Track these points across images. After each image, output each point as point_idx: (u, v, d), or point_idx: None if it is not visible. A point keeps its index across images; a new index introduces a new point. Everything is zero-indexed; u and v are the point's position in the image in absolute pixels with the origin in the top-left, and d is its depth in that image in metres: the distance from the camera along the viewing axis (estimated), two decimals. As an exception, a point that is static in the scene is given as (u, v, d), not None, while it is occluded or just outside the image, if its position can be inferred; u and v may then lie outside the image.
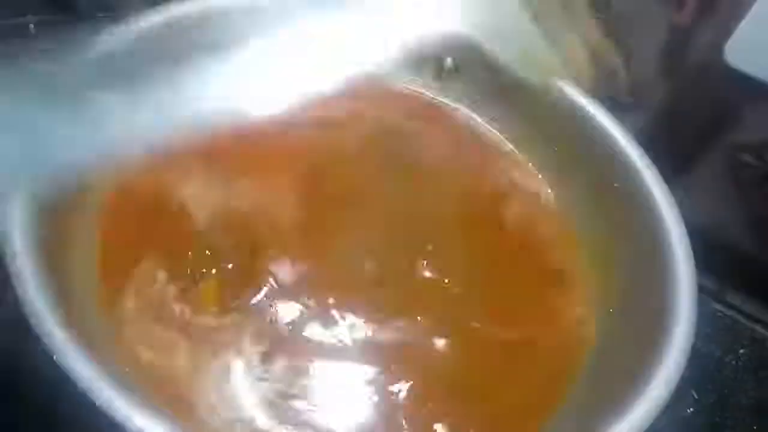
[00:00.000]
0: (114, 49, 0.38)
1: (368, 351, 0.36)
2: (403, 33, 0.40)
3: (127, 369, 0.32)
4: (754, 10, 0.46)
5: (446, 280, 0.40)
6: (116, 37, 0.38)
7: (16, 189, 0.31)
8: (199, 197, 0.40)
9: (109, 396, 0.26)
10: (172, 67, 0.34)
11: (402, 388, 0.36)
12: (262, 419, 0.33)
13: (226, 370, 0.34)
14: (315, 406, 0.34)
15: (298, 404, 0.34)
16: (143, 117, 0.32)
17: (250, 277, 0.37)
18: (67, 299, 0.31)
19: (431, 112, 0.49)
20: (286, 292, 0.37)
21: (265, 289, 0.37)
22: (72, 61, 0.35)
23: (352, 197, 0.43)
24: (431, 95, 0.49)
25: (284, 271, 0.38)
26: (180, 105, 0.33)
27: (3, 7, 0.54)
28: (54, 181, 0.30)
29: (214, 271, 0.37)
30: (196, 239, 0.38)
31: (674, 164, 0.49)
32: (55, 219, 0.34)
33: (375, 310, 0.38)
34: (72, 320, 0.28)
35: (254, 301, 0.37)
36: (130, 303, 0.35)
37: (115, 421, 0.26)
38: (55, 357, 0.27)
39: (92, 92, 0.31)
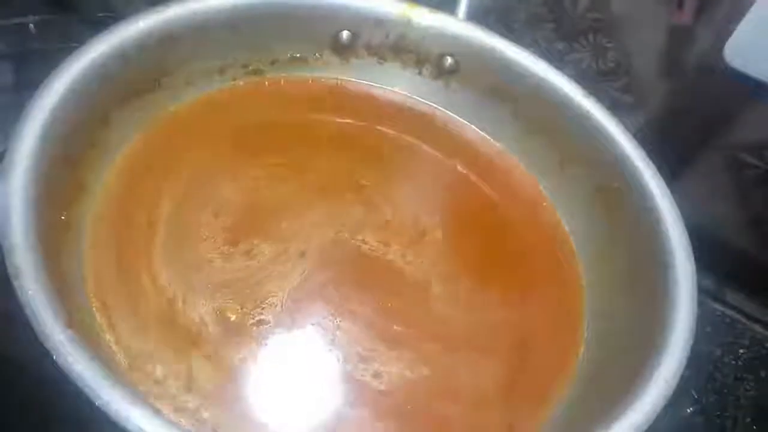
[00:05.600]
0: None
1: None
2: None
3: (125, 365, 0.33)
4: (754, 10, 0.46)
5: (444, 284, 0.40)
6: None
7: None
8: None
9: (109, 396, 0.26)
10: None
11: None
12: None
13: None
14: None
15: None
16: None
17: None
18: (67, 299, 0.31)
19: (429, 120, 0.49)
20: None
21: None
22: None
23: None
24: (428, 101, 0.49)
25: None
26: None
27: (3, 7, 0.54)
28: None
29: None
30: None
31: (674, 164, 0.49)
32: (54, 218, 0.34)
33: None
34: (72, 320, 0.28)
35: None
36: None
37: (114, 421, 0.26)
38: (55, 357, 0.27)
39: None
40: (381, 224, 0.42)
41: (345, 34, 0.47)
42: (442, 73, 0.48)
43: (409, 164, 0.46)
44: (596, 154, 0.44)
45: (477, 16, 0.50)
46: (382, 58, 0.48)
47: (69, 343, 0.27)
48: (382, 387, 0.35)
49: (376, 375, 0.36)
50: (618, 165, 0.42)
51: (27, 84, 0.45)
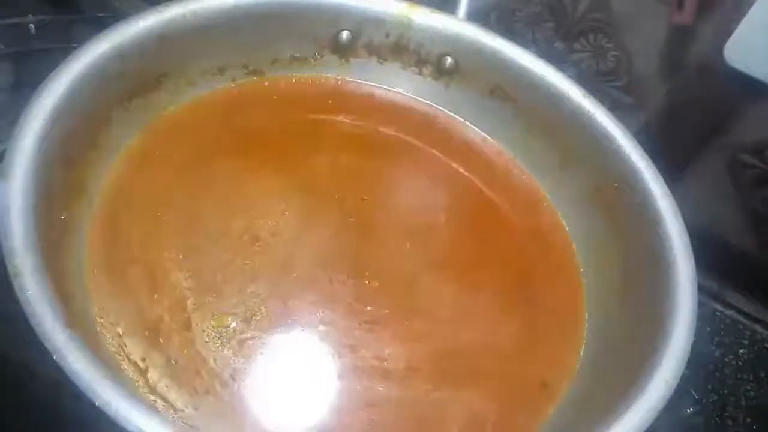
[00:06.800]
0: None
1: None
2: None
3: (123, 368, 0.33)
4: (754, 10, 0.46)
5: (443, 283, 0.40)
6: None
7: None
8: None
9: (109, 396, 0.26)
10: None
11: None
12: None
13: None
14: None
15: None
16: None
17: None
18: (67, 299, 0.31)
19: (429, 120, 0.49)
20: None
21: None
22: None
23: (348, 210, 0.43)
24: (428, 102, 0.49)
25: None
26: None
27: (3, 7, 0.54)
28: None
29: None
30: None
31: (674, 164, 0.49)
32: (54, 218, 0.34)
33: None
34: (72, 320, 0.28)
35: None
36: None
37: (114, 421, 0.26)
38: (55, 357, 0.27)
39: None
40: (381, 224, 0.42)
41: (345, 34, 0.47)
42: (442, 73, 0.48)
43: (408, 164, 0.46)
44: (596, 154, 0.44)
45: (477, 16, 0.50)
46: (382, 58, 0.48)
47: (69, 343, 0.27)
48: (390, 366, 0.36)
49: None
50: (618, 165, 0.42)
51: (27, 84, 0.45)
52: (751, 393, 0.50)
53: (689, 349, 0.34)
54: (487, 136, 0.48)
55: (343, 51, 0.48)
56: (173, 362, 0.34)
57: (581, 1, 0.54)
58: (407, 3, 0.46)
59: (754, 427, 0.49)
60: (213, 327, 0.35)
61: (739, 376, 0.51)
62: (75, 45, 0.37)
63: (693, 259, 0.38)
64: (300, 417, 0.34)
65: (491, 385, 0.37)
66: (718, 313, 0.53)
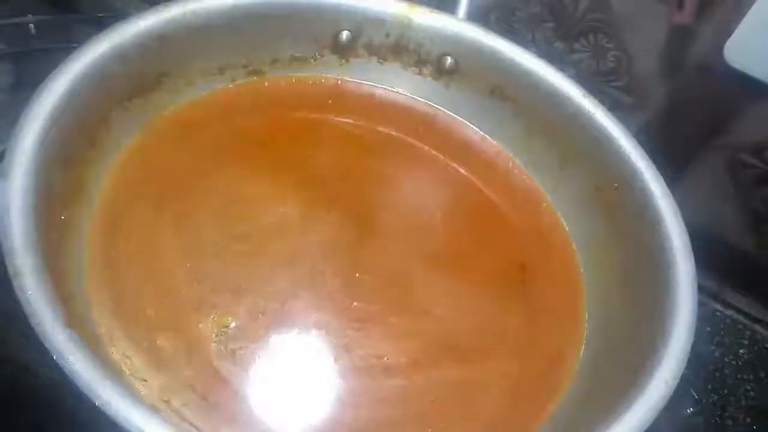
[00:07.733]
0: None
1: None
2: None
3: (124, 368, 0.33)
4: (754, 10, 0.46)
5: (443, 283, 0.40)
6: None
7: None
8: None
9: (109, 396, 0.26)
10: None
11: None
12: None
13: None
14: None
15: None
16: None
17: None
18: (67, 299, 0.31)
19: (429, 120, 0.49)
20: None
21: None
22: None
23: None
24: (428, 102, 0.49)
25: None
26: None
27: (3, 6, 0.54)
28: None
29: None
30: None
31: (674, 164, 0.49)
32: (54, 218, 0.34)
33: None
34: (72, 320, 0.28)
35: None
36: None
37: (114, 421, 0.26)
38: (55, 357, 0.27)
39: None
40: (382, 224, 0.42)
41: (345, 34, 0.47)
42: (442, 73, 0.48)
43: (408, 164, 0.46)
44: (596, 154, 0.44)
45: (477, 16, 0.50)
46: (382, 58, 0.48)
47: (69, 343, 0.27)
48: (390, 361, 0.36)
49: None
50: (618, 165, 0.42)
51: (27, 84, 0.45)
52: (751, 393, 0.50)
53: (689, 349, 0.34)
54: (487, 136, 0.48)
55: (343, 51, 0.48)
56: (173, 362, 0.34)
57: (581, 1, 0.54)
58: (407, 3, 0.46)
59: (754, 427, 0.49)
60: (213, 327, 0.35)
61: (739, 376, 0.51)
62: (75, 45, 0.37)
63: (693, 259, 0.38)
64: (304, 416, 0.34)
65: (491, 385, 0.37)
66: (718, 313, 0.53)
